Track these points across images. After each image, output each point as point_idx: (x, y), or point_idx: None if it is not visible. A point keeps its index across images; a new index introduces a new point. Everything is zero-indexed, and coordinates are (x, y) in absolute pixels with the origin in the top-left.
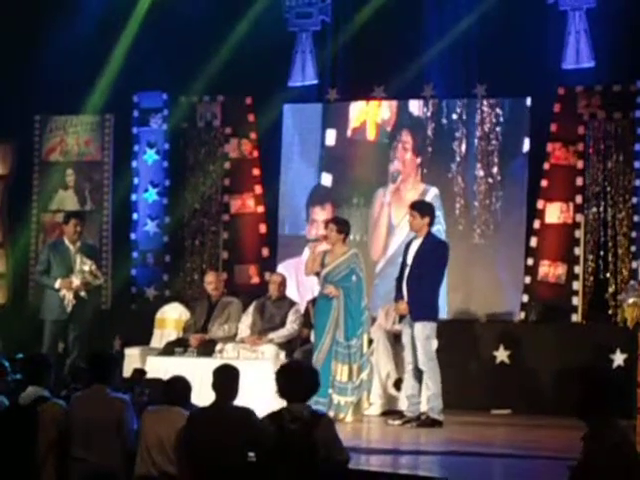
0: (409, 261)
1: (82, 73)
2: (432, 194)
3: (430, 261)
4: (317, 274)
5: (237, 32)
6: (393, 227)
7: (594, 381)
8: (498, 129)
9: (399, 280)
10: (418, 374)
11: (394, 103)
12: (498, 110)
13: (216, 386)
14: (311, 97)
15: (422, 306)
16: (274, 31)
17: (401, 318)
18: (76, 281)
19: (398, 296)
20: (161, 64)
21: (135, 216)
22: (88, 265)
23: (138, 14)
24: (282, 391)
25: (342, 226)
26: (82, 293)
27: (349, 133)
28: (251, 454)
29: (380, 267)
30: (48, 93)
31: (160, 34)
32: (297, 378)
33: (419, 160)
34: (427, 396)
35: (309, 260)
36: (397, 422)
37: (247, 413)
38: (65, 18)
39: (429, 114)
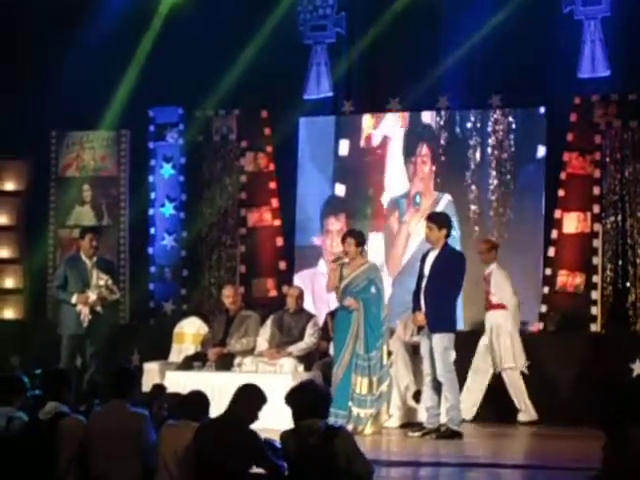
0: (426, 272)
1: (98, 89)
2: (445, 200)
3: (447, 273)
4: (337, 288)
5: (252, 46)
6: (409, 237)
7: (614, 391)
8: (512, 137)
9: (416, 292)
10: (437, 386)
11: (407, 113)
12: (511, 118)
13: (233, 401)
14: (326, 110)
15: (440, 318)
16: (289, 44)
17: (419, 329)
18: (92, 296)
19: (416, 307)
20: (176, 79)
21: (152, 231)
22: (104, 280)
23: (153, 29)
24: (295, 412)
25: (359, 238)
26: (98, 308)
27: (362, 143)
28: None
29: (395, 277)
30: (64, 109)
31: (175, 49)
32: (305, 398)
33: (433, 168)
34: (446, 408)
35: (330, 277)
36: (416, 434)
37: (242, 430)
38: (80, 34)
39: (442, 123)
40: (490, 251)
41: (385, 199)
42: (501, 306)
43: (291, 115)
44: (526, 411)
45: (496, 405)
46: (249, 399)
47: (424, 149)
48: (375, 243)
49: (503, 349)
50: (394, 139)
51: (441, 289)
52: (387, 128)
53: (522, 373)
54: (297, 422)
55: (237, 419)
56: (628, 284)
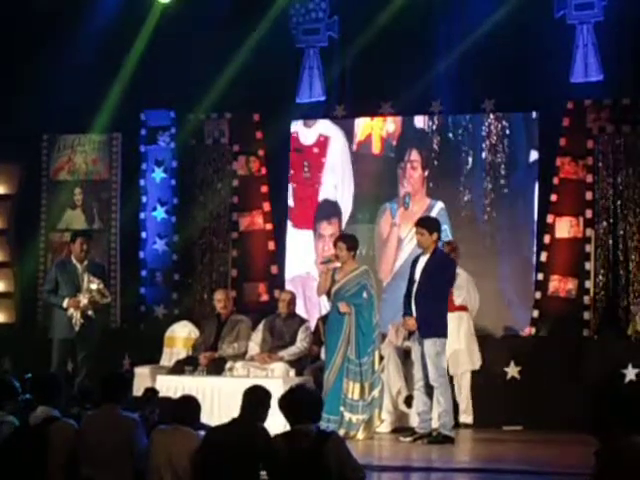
0: (417, 277)
1: (89, 92)
2: (438, 208)
3: (438, 277)
4: (328, 293)
5: (244, 49)
6: (401, 241)
7: (607, 397)
8: (505, 141)
9: (407, 296)
10: (429, 390)
11: (400, 117)
12: (504, 123)
13: (242, 405)
14: (319, 114)
15: (431, 323)
16: (281, 48)
17: (410, 334)
18: (84, 300)
19: (406, 312)
20: (168, 82)
21: (143, 235)
22: (96, 284)
23: (145, 33)
24: (287, 415)
25: (351, 243)
26: (90, 312)
27: (354, 147)
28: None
29: (387, 281)
30: (56, 112)
31: (167, 52)
32: (299, 400)
33: (426, 173)
34: (438, 412)
35: (321, 281)
36: (408, 439)
37: (258, 431)
38: (72, 37)
39: (434, 127)
40: (452, 253)
41: (322, 197)
42: (463, 308)
43: (283, 119)
44: (467, 413)
45: (482, 410)
46: (252, 402)
47: (413, 154)
48: (303, 241)
49: (460, 351)
50: (387, 143)
51: (432, 294)
52: (324, 129)
53: (513, 377)
54: (292, 426)
55: (247, 422)
56: (620, 289)
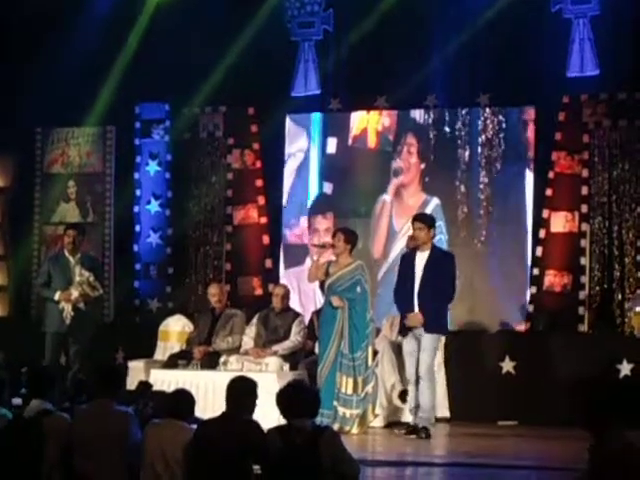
0: (418, 274)
1: (84, 85)
2: (433, 204)
3: (441, 273)
4: (321, 283)
5: (239, 42)
6: (395, 233)
7: (599, 392)
8: (501, 136)
9: (401, 292)
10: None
11: (395, 111)
12: (501, 117)
13: (227, 398)
14: (314, 107)
15: (436, 319)
16: (276, 41)
17: (408, 330)
18: (75, 293)
19: (408, 309)
20: (163, 75)
21: (137, 228)
22: (85, 277)
23: (140, 25)
24: (284, 410)
25: (350, 237)
26: (81, 305)
27: (350, 141)
28: (256, 467)
29: (382, 274)
30: (49, 105)
31: (161, 45)
32: (298, 396)
33: (422, 167)
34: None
35: (312, 267)
36: (402, 432)
37: (251, 426)
38: (66, 30)
39: (430, 121)
40: None
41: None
42: None
43: (278, 112)
44: (444, 406)
45: (477, 405)
46: (238, 393)
47: (409, 138)
48: None
49: None
50: (383, 137)
51: (436, 291)
52: (377, 125)
53: (508, 372)
54: (289, 421)
55: (237, 416)
56: (615, 284)
